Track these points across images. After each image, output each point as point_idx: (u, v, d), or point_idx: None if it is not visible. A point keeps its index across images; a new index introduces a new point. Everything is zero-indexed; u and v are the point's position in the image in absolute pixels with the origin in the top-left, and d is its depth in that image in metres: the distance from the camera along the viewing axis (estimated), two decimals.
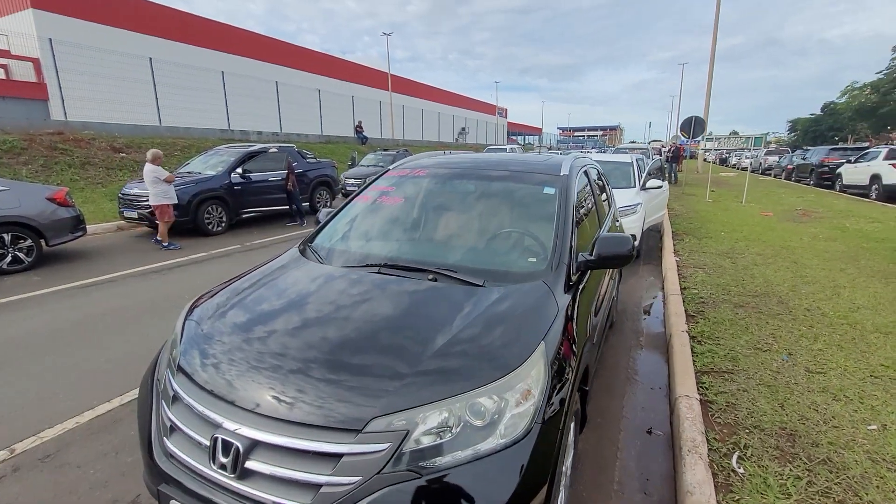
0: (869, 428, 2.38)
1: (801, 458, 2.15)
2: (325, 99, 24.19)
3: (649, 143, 41.38)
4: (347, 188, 13.16)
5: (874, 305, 4.14)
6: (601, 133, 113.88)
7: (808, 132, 47.74)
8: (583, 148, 47.00)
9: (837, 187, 15.88)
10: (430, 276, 1.95)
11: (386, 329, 1.64)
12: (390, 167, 3.05)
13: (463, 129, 42.06)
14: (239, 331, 1.69)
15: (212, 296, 2.03)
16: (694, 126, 14.26)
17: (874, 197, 13.20)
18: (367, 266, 2.09)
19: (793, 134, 54.39)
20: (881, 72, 24.33)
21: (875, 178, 13.20)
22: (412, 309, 1.78)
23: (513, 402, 1.36)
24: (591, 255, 2.15)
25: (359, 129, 25.65)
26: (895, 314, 3.92)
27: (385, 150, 16.66)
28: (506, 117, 62.22)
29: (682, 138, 15.35)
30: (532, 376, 1.43)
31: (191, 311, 1.93)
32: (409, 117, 33.70)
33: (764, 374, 2.94)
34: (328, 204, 11.14)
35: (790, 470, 2.07)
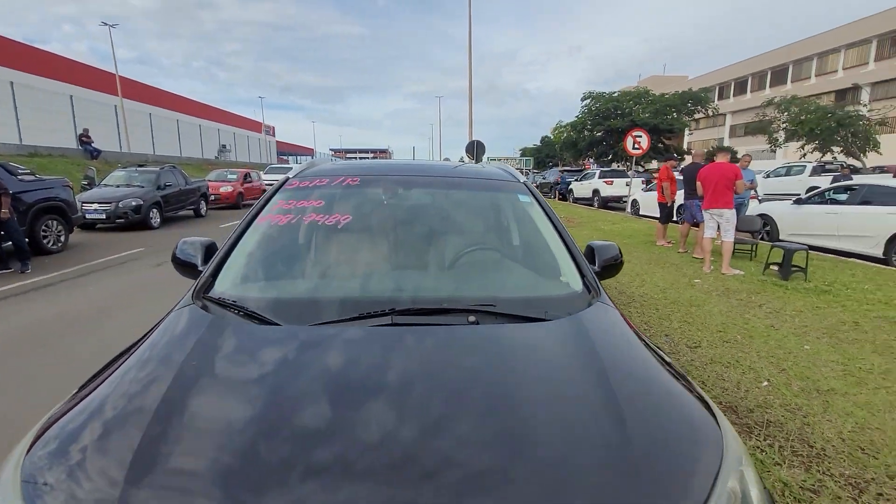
0: None
1: None
2: (27, 97, 17.35)
3: None
4: (88, 216, 9.74)
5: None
6: (372, 154, 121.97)
7: (534, 158, 62.42)
8: None
9: (570, 199, 21.10)
10: (471, 318, 1.34)
11: (498, 428, 0.95)
12: (290, 176, 2.14)
13: (224, 146, 36.62)
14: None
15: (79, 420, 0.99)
16: (476, 149, 16.45)
17: (596, 205, 18.08)
18: (364, 318, 1.31)
19: (523, 158, 69.77)
20: (577, 115, 34.24)
21: (595, 191, 18.15)
22: (503, 375, 1.15)
23: None
24: (596, 266, 1.93)
25: (84, 138, 19.41)
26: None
27: (140, 165, 12.99)
28: (273, 135, 59.03)
29: (467, 160, 17.54)
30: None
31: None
32: (161, 129, 27.63)
33: None
34: (61, 240, 7.77)
35: None
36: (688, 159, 22.30)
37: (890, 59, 32.35)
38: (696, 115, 30.11)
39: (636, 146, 12.17)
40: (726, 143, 43.57)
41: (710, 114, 32.55)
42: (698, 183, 6.35)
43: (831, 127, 16.62)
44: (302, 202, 1.89)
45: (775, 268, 5.88)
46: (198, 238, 1.87)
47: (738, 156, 9.92)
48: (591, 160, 37.54)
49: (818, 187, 15.05)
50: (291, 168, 22.25)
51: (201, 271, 1.63)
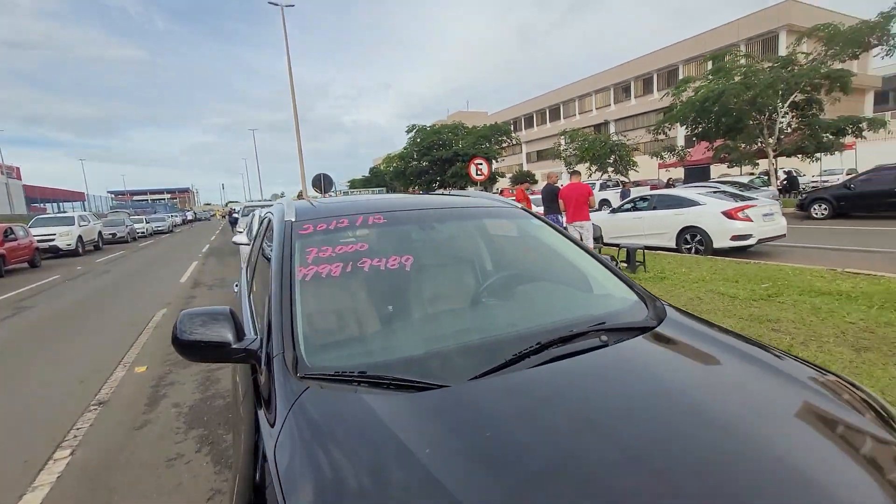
0: None
1: None
2: None
3: (227, 205, 42.11)
4: None
5: None
6: (170, 196, 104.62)
7: (364, 189, 63.28)
8: (155, 213, 43.22)
9: None
10: (603, 338, 1.34)
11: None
12: (304, 221, 1.76)
13: None
14: None
15: None
16: (323, 182, 15.85)
17: None
18: (513, 362, 1.22)
19: (374, 189, 70.13)
20: (404, 146, 36.39)
21: None
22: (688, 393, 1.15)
23: None
24: None
25: None
26: None
27: None
28: (18, 178, 45.89)
29: (314, 194, 16.69)
30: None
31: None
32: None
33: None
34: None
35: None
36: (547, 181, 25.79)
37: (623, 103, 44.09)
38: (504, 145, 35.36)
39: (479, 172, 13.53)
40: (525, 168, 52.55)
41: (514, 143, 38.71)
42: (560, 200, 7.47)
43: (605, 153, 22.18)
44: (341, 248, 1.58)
45: (625, 264, 7.25)
46: (204, 308, 1.35)
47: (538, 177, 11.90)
48: (420, 188, 40.15)
49: (608, 199, 19.32)
50: (72, 217, 17.52)
51: (240, 349, 1.32)
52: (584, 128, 36.38)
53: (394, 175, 43.46)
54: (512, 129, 53.20)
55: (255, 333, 1.53)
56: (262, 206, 16.54)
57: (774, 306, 4.69)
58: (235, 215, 20.04)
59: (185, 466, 2.65)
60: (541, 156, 53.26)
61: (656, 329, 1.45)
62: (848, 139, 16.62)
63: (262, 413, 1.16)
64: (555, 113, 52.60)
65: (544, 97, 53.13)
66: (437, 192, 3.96)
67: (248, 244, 5.36)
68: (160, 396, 3.71)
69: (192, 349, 1.29)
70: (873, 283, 5.18)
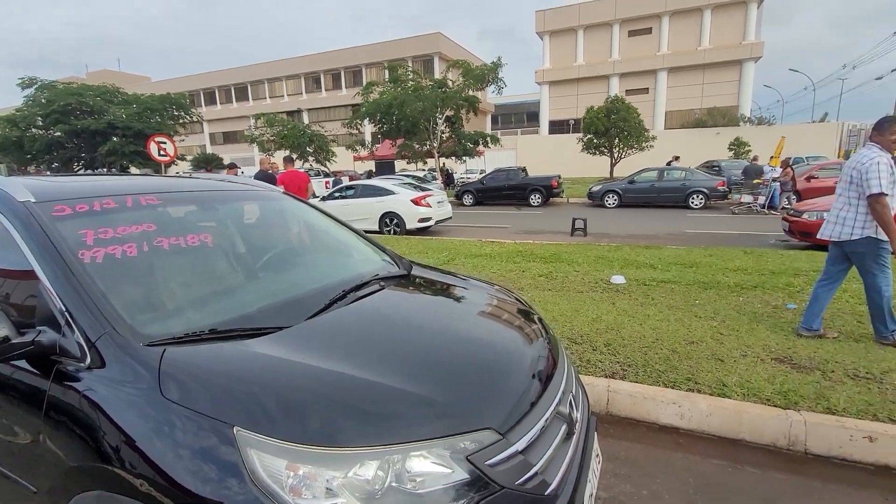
0: None
1: None
2: None
3: None
4: None
5: None
6: None
7: None
8: None
9: None
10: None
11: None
12: (52, 202, 1.54)
13: None
14: None
15: None
16: None
17: None
18: (331, 306, 1.70)
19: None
20: (18, 108, 25.47)
21: None
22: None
23: None
24: None
25: None
26: None
27: None
28: None
29: None
30: None
31: None
32: None
33: None
34: None
35: None
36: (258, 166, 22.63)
37: (315, 93, 45.54)
38: (182, 122, 30.36)
39: (162, 153, 11.51)
40: (210, 150, 46.89)
41: (194, 120, 33.74)
42: (280, 186, 7.48)
43: (305, 142, 22.71)
44: (124, 228, 1.61)
45: None
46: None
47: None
48: (44, 167, 29.64)
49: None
50: None
51: (24, 343, 1.23)
52: (278, 113, 35.82)
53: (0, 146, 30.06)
54: (189, 103, 46.28)
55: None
56: None
57: (452, 267, 6.47)
58: None
59: None
60: (228, 138, 48.83)
61: (409, 275, 2.24)
62: (480, 148, 23.38)
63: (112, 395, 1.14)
64: (242, 92, 49.01)
65: (230, 73, 48.56)
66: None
67: None
68: None
69: None
70: (500, 247, 7.88)
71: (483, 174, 20.55)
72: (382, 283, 1.96)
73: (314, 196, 13.76)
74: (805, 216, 7.69)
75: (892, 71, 30.80)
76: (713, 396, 2.77)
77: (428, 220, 10.25)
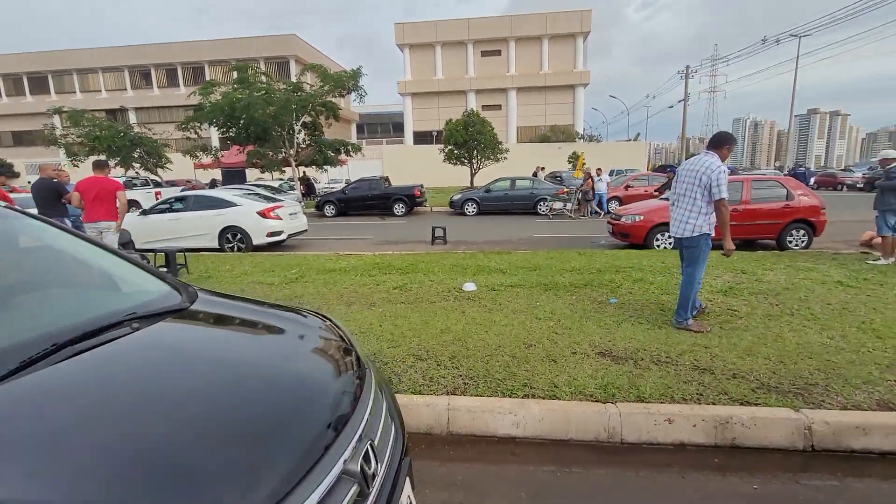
0: None
1: None
2: None
3: None
4: None
5: None
6: None
7: None
8: None
9: None
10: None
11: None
12: None
13: None
14: None
15: None
16: None
17: None
18: (53, 352, 1.22)
19: None
20: None
21: None
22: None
23: None
24: None
25: None
26: None
27: None
28: None
29: None
30: None
31: None
32: None
33: None
34: None
35: None
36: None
37: (144, 90, 39.33)
38: None
39: None
40: None
41: None
42: (76, 194, 5.97)
43: (127, 145, 19.14)
44: None
45: (164, 269, 6.81)
46: None
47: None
48: None
49: (137, 200, 16.96)
50: None
51: None
52: (93, 111, 29.93)
53: None
54: None
55: None
56: None
57: (300, 285, 5.91)
58: None
59: None
60: (20, 139, 39.41)
61: (190, 308, 1.70)
62: (343, 157, 22.64)
63: None
64: (40, 84, 40.02)
65: (20, 58, 39.24)
66: None
67: None
68: None
69: None
70: (358, 260, 7.53)
71: (347, 184, 19.94)
72: (137, 324, 1.46)
73: (136, 209, 11.62)
74: (623, 219, 8.96)
75: (679, 101, 38.87)
76: (545, 400, 2.84)
77: (278, 233, 9.37)
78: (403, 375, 3.18)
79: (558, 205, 15.43)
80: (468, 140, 24.15)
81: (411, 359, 3.46)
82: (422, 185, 17.38)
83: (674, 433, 2.63)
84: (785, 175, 13.97)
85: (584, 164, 17.54)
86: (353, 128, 53.23)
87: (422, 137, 44.47)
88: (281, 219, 9.47)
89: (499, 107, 44.54)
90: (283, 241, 9.71)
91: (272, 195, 12.30)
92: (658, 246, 8.49)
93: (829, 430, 2.55)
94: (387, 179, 17.83)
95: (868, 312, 4.39)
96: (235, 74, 19.30)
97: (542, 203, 15.99)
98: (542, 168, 22.13)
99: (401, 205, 16.62)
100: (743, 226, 7.92)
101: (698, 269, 4.00)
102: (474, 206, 16.57)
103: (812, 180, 28.65)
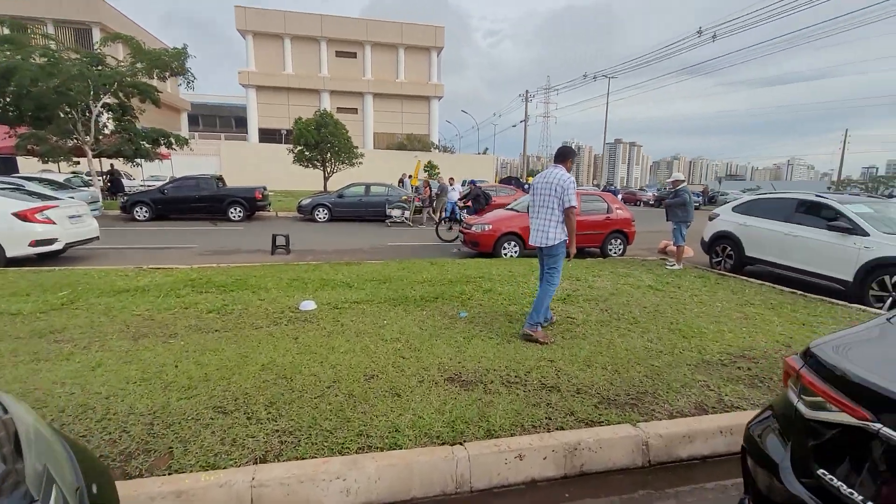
0: None
1: None
2: None
3: None
4: None
5: None
6: None
7: None
8: None
9: None
10: None
11: None
12: None
13: None
14: None
15: None
16: None
17: None
18: None
19: None
20: None
21: None
22: None
23: None
24: None
25: None
26: None
27: None
28: None
29: None
30: None
31: None
32: None
33: None
34: None
35: None
36: None
37: None
38: None
39: None
40: None
41: None
42: None
43: None
44: None
45: None
46: None
47: None
48: None
49: None
50: None
51: None
52: None
53: None
54: None
55: None
56: None
57: (66, 314, 4.37)
58: None
59: None
60: None
61: None
62: (165, 150, 19.09)
63: None
64: None
65: None
66: None
67: None
68: None
69: None
70: (166, 276, 6.06)
71: (169, 182, 16.78)
72: None
73: None
74: (474, 228, 9.13)
75: (521, 122, 43.25)
76: (384, 452, 2.33)
77: (50, 242, 7.09)
78: (192, 442, 2.33)
79: (396, 212, 15.11)
80: (320, 141, 22.77)
81: (210, 413, 2.62)
82: (264, 188, 15.55)
83: (525, 470, 2.38)
84: (600, 191, 16.25)
85: (438, 172, 17.87)
86: (184, 118, 46.24)
87: (269, 135, 40.85)
88: (54, 223, 7.20)
89: (355, 110, 43.53)
90: (60, 251, 7.42)
91: (50, 192, 9.48)
92: (506, 254, 8.83)
93: (663, 443, 2.59)
94: (220, 179, 15.49)
95: (674, 314, 4.99)
96: (6, 30, 14.78)
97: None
98: (410, 176, 22.02)
99: (238, 209, 14.58)
100: (579, 235, 8.71)
101: (557, 274, 4.21)
102: (326, 211, 15.48)
103: (619, 196, 34.52)
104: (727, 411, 2.90)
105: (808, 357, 1.58)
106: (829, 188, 50.86)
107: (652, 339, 4.16)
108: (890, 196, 32.85)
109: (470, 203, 12.70)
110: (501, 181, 29.32)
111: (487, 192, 13.74)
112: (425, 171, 31.94)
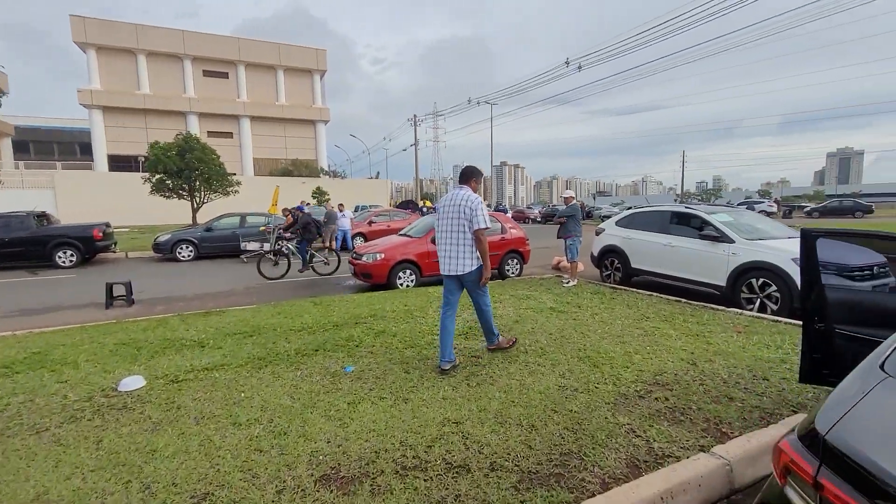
0: None
1: None
2: None
3: None
4: None
5: None
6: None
7: None
8: None
9: None
10: None
11: None
12: None
13: None
14: None
15: None
16: None
17: None
18: None
19: None
20: None
21: None
22: None
23: None
24: None
25: None
26: None
27: None
28: None
29: None
30: None
31: None
32: None
33: None
34: None
35: None
36: None
37: None
38: None
39: None
40: None
41: None
42: None
43: None
44: None
45: None
46: None
47: None
48: None
49: None
50: None
51: None
52: None
53: None
54: None
55: None
56: None
57: None
58: None
59: None
60: None
61: None
62: None
63: None
64: None
65: None
66: None
67: None
68: None
69: None
70: None
71: None
72: None
73: None
74: (364, 258, 8.29)
75: (411, 146, 43.52)
76: None
77: None
78: None
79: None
80: (185, 168, 20.11)
81: None
82: (107, 224, 12.89)
83: None
84: (493, 211, 16.50)
85: (328, 199, 16.50)
86: (6, 145, 38.29)
87: (122, 163, 35.62)
88: None
89: (230, 134, 40.10)
90: None
91: None
92: (401, 285, 8.14)
93: None
94: (45, 216, 12.52)
95: (580, 338, 4.70)
96: None
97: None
98: (308, 203, 20.22)
99: (69, 251, 11.79)
100: None
101: (485, 296, 4.06)
102: (191, 248, 13.33)
103: (510, 215, 36.26)
104: (660, 463, 2.49)
105: (823, 451, 1.10)
106: (674, 200, 59.63)
107: (564, 372, 3.75)
108: (728, 204, 39.10)
109: (298, 232, 10.60)
110: (398, 205, 28.86)
111: (317, 219, 11.69)
112: (314, 196, 30.23)
